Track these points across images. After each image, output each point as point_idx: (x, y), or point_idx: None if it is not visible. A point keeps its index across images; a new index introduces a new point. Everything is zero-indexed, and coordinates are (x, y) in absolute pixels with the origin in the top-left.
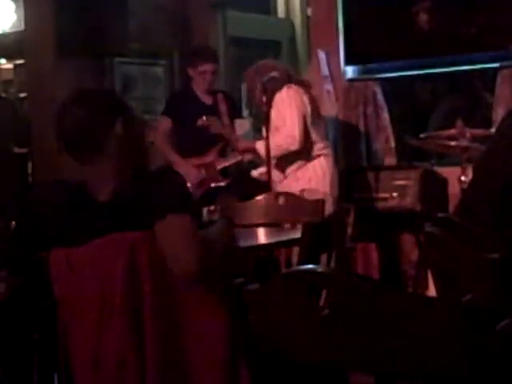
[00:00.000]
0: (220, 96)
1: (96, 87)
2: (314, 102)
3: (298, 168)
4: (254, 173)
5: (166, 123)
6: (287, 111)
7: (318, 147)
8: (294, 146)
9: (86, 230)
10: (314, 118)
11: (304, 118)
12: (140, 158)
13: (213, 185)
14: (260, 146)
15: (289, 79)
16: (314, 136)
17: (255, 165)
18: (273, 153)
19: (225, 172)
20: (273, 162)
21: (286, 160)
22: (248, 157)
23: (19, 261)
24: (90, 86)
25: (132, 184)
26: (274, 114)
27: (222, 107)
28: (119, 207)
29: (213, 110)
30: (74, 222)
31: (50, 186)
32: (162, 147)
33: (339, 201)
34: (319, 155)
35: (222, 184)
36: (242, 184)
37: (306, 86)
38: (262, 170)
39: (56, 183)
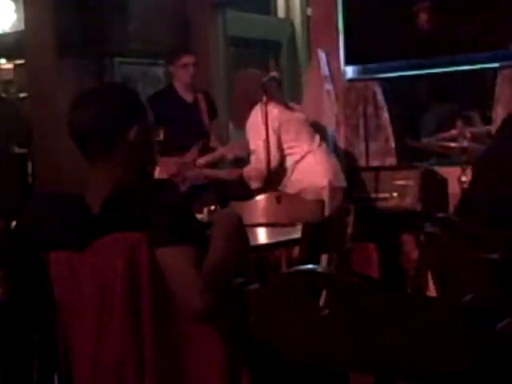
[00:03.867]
0: (200, 95)
1: (120, 84)
2: (289, 111)
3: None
4: None
5: None
6: (255, 137)
7: (303, 149)
8: (263, 176)
9: (80, 242)
10: (290, 127)
11: (277, 136)
12: (144, 168)
13: (188, 185)
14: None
15: (266, 92)
16: (294, 142)
17: (237, 163)
18: (247, 180)
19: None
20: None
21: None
22: (230, 155)
23: (17, 261)
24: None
25: (125, 195)
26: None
27: (202, 106)
28: (107, 220)
29: (193, 108)
30: (69, 234)
31: (49, 198)
32: None
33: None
34: (304, 155)
35: (203, 183)
36: (224, 184)
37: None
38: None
39: (55, 195)
